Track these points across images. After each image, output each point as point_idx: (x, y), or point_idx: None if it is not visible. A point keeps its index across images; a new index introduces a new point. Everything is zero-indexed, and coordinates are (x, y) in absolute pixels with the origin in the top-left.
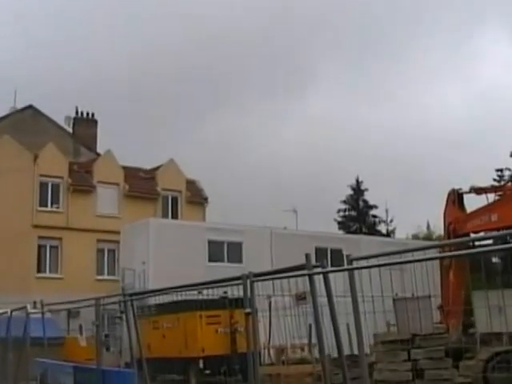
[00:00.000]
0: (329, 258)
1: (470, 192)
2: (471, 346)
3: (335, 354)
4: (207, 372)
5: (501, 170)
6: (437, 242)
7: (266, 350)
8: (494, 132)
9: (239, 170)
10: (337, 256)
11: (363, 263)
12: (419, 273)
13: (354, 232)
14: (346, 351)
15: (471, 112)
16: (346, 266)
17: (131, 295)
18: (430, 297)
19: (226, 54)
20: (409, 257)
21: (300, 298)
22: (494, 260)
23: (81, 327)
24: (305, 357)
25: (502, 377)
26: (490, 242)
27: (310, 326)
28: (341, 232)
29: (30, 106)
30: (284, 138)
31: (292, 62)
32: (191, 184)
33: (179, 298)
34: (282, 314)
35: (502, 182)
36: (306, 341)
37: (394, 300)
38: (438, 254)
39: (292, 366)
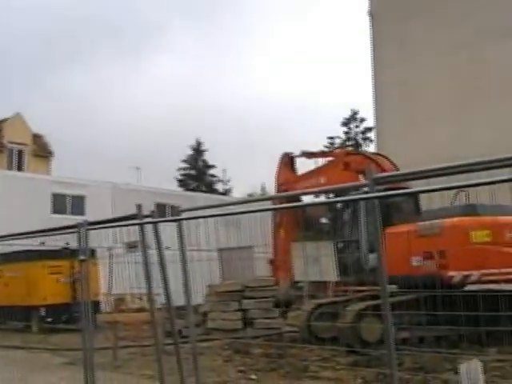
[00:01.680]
0: (169, 213)
1: (301, 156)
2: (298, 298)
3: (179, 303)
4: (49, 320)
5: (332, 138)
6: (265, 196)
7: (107, 299)
8: (329, 102)
9: (91, 126)
10: (176, 211)
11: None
12: (258, 227)
13: (193, 190)
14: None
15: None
16: (174, 217)
17: None
18: (251, 247)
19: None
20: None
21: (131, 246)
22: (323, 220)
23: None
24: (144, 306)
25: (323, 325)
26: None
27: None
28: (180, 189)
29: None
30: (136, 97)
31: (144, 20)
32: (38, 138)
33: (23, 249)
34: (121, 263)
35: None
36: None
37: (219, 250)
38: (266, 207)
39: (131, 314)
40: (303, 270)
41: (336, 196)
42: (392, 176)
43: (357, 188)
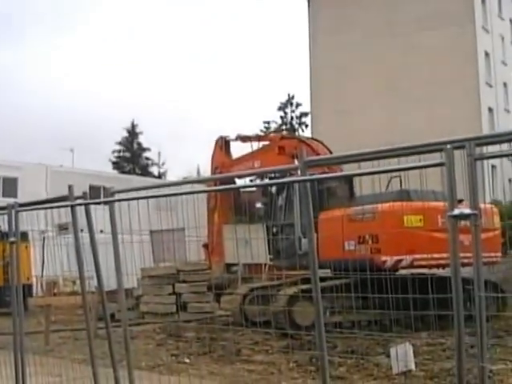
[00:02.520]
0: (102, 196)
1: (236, 140)
2: (232, 282)
3: (114, 287)
4: None
5: (268, 122)
6: (198, 178)
7: (39, 283)
8: (266, 87)
9: (22, 107)
10: (107, 193)
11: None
12: (191, 210)
13: (128, 172)
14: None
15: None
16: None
17: None
18: (183, 229)
19: None
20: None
21: (62, 228)
22: (258, 205)
23: None
24: (77, 290)
25: (256, 309)
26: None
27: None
28: (115, 172)
29: None
30: (66, 76)
31: None
32: None
33: None
34: (53, 246)
35: None
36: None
37: (150, 232)
38: (199, 189)
39: (63, 298)
40: (234, 252)
41: (270, 180)
42: (324, 159)
43: (292, 172)
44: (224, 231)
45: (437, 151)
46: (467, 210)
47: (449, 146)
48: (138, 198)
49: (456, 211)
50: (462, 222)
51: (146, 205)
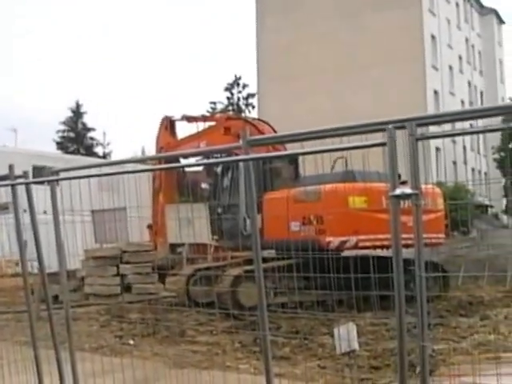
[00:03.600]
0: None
1: (181, 120)
2: (177, 263)
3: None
4: None
5: (214, 103)
6: (141, 157)
7: None
8: (213, 67)
9: None
10: (48, 172)
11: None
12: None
13: (72, 153)
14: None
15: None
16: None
17: None
18: (125, 209)
19: None
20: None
21: (2, 208)
22: (204, 186)
23: None
24: (19, 271)
25: (201, 290)
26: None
27: (26, 241)
28: (59, 152)
29: None
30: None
31: None
32: None
33: None
34: None
35: None
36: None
37: (92, 211)
38: (142, 168)
39: (5, 280)
40: (177, 232)
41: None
42: (266, 138)
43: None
44: (166, 211)
45: (379, 131)
46: (408, 190)
47: (390, 126)
48: (80, 177)
49: (397, 191)
50: (407, 204)
51: (91, 184)
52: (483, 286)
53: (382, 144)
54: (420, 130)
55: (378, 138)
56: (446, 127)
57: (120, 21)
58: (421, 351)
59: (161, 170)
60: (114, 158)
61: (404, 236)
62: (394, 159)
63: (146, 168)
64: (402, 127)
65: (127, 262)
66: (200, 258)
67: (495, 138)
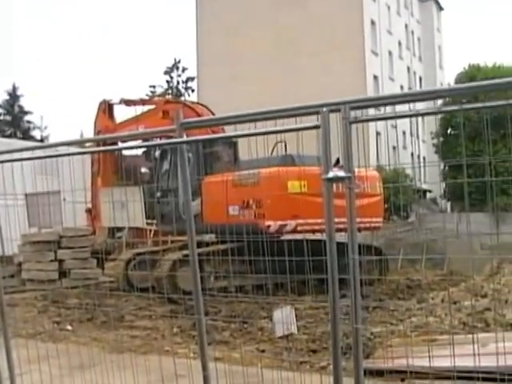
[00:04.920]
0: None
1: (120, 103)
2: (117, 247)
3: None
4: None
5: (154, 87)
6: (77, 140)
7: None
8: (153, 49)
9: None
10: None
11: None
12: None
13: (9, 136)
14: None
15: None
16: None
17: None
18: (59, 192)
19: None
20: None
21: None
22: (144, 170)
23: None
24: None
25: (140, 274)
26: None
27: None
28: None
29: None
30: None
31: None
32: None
33: None
34: None
35: None
36: None
37: (25, 195)
38: (78, 150)
39: None
40: (110, 215)
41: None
42: (200, 121)
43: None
44: (101, 194)
45: (314, 114)
46: (341, 173)
47: (325, 109)
48: (12, 161)
49: (330, 174)
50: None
51: (25, 168)
52: (421, 269)
53: (316, 127)
54: (358, 114)
55: (313, 120)
56: (388, 111)
57: (60, 2)
58: (354, 333)
59: (93, 152)
60: (52, 141)
61: (343, 220)
62: (328, 142)
63: (80, 151)
64: (338, 110)
65: (65, 247)
66: (140, 243)
67: (435, 124)
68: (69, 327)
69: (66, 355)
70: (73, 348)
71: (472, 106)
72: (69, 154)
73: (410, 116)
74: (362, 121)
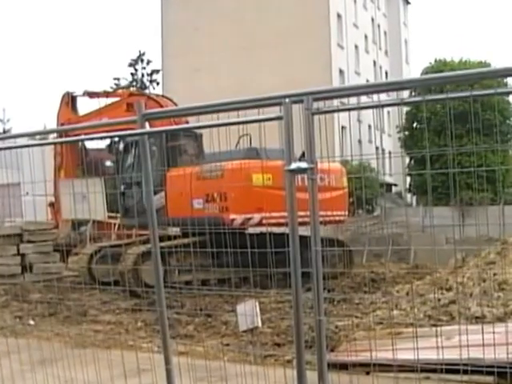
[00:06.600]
0: None
1: (83, 96)
2: (81, 241)
3: None
4: None
5: (118, 79)
6: (39, 130)
7: None
8: (117, 42)
9: None
10: None
11: None
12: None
13: None
14: None
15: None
16: None
17: None
18: (19, 184)
19: None
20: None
21: None
22: (108, 164)
23: None
24: None
25: (104, 268)
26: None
27: None
28: None
29: None
30: None
31: None
32: None
33: None
34: None
35: None
36: None
37: None
38: (40, 142)
39: None
40: (70, 208)
41: (119, 138)
42: (161, 112)
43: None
44: (61, 186)
45: (277, 105)
46: (304, 164)
47: (287, 100)
48: None
49: (293, 165)
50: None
51: None
52: (386, 263)
53: (279, 118)
54: (322, 106)
55: (276, 111)
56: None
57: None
58: (317, 325)
59: (53, 143)
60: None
61: (308, 214)
62: (290, 133)
63: (39, 142)
64: (301, 101)
65: (28, 241)
66: (104, 237)
67: (400, 118)
68: (31, 322)
69: (27, 350)
70: (35, 343)
71: (435, 97)
72: (28, 146)
73: (373, 107)
74: (325, 112)
